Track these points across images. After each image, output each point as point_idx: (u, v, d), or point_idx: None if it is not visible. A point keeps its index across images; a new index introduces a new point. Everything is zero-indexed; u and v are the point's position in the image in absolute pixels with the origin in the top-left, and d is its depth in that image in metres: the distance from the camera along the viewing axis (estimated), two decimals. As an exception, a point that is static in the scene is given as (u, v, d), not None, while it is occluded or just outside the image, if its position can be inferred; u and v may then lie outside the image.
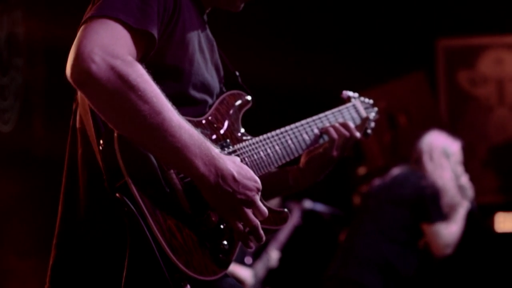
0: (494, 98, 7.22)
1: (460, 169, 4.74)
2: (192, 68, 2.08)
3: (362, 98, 2.61)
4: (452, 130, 6.70)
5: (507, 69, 7.19)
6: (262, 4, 2.49)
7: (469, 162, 6.60)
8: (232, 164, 1.91)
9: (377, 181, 4.86)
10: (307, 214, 5.49)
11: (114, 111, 1.82)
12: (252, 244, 1.99)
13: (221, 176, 1.87)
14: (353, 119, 2.48)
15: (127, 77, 1.77)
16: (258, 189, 1.93)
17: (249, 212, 1.92)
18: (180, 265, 1.88)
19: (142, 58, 1.90)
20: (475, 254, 6.43)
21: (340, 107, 2.48)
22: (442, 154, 4.69)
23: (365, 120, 2.52)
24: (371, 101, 2.64)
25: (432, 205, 4.51)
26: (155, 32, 1.90)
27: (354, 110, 2.52)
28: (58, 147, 2.34)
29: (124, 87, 1.77)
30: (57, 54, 4.76)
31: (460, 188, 4.69)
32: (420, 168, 4.66)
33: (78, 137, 2.05)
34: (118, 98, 1.78)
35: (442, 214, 4.55)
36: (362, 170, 6.43)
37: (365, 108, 2.58)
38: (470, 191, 4.73)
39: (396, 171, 4.76)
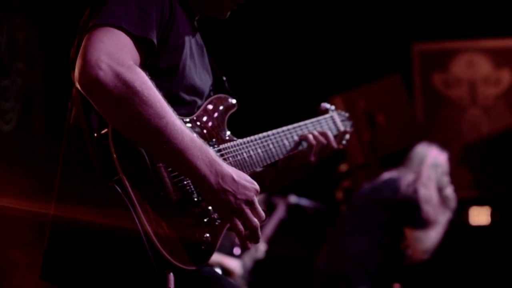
0: (467, 98, 7.27)
1: (446, 179, 4.74)
2: (184, 72, 2.08)
3: (339, 111, 2.64)
4: (428, 128, 7.02)
5: (478, 71, 7.26)
6: (244, 10, 2.51)
7: None
8: (231, 167, 1.92)
9: (366, 184, 4.88)
10: (292, 208, 5.50)
11: (120, 115, 1.82)
12: (249, 245, 2.00)
13: (222, 177, 1.88)
14: (330, 130, 2.50)
15: (132, 84, 1.78)
16: (256, 191, 1.95)
17: (249, 212, 1.93)
18: (165, 253, 1.88)
19: (143, 63, 1.92)
20: (451, 246, 6.46)
21: (319, 118, 2.51)
22: (431, 164, 4.69)
23: (343, 133, 2.57)
24: (347, 114, 2.67)
25: (415, 212, 4.51)
26: (154, 39, 1.92)
27: (332, 122, 2.55)
28: (57, 145, 2.32)
29: (129, 92, 1.78)
30: (55, 58, 4.66)
31: (445, 198, 4.69)
32: (409, 176, 4.65)
33: (72, 133, 2.05)
34: (124, 103, 1.78)
35: (424, 221, 4.53)
36: (343, 167, 6.37)
37: (342, 121, 2.62)
38: (453, 202, 4.72)
39: (386, 175, 4.76)
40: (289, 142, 2.35)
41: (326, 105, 2.60)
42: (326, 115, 2.55)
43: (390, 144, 6.21)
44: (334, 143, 2.42)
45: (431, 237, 4.60)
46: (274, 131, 2.35)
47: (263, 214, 1.96)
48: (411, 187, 4.56)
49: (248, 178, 1.95)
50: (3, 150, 4.68)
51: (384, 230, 4.49)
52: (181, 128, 1.84)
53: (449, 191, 4.71)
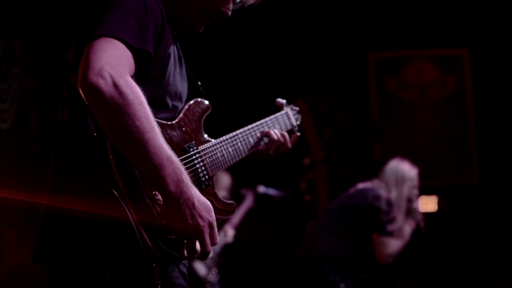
0: (417, 101, 7.32)
1: (415, 192, 4.71)
2: (169, 79, 2.08)
3: (291, 106, 2.69)
4: (382, 127, 7.07)
5: (427, 76, 7.31)
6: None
7: (397, 154, 6.82)
8: (196, 193, 1.89)
9: (343, 193, 4.82)
10: (261, 197, 5.50)
11: (110, 121, 1.82)
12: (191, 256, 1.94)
13: (184, 198, 1.85)
14: (285, 125, 2.57)
15: (126, 96, 1.78)
16: (210, 222, 1.89)
17: (203, 234, 1.88)
18: (153, 248, 1.88)
19: (137, 71, 1.92)
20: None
21: (276, 115, 2.56)
22: (403, 178, 4.65)
23: (294, 127, 2.63)
24: (297, 108, 2.72)
25: (384, 219, 4.47)
26: (151, 51, 1.92)
27: (287, 117, 2.60)
28: (49, 142, 2.30)
29: (123, 103, 1.78)
30: (47, 64, 4.79)
31: (412, 210, 4.66)
32: (381, 186, 4.61)
33: (65, 131, 2.03)
34: (116, 111, 1.79)
35: (391, 228, 4.50)
36: (306, 161, 6.43)
37: (294, 115, 2.67)
38: (419, 214, 4.68)
39: (361, 185, 4.72)
40: (253, 139, 2.38)
41: (280, 100, 2.65)
42: (282, 112, 2.60)
43: (348, 140, 6.26)
44: (289, 143, 2.48)
45: (395, 244, 4.56)
46: (241, 130, 2.38)
47: (217, 240, 1.93)
48: (383, 197, 4.50)
49: (207, 205, 1.91)
50: (1, 145, 4.66)
51: (353, 232, 4.47)
52: (160, 145, 1.83)
53: (417, 204, 4.67)
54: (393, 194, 4.55)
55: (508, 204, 6.91)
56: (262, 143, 2.41)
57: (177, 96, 2.12)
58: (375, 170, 6.05)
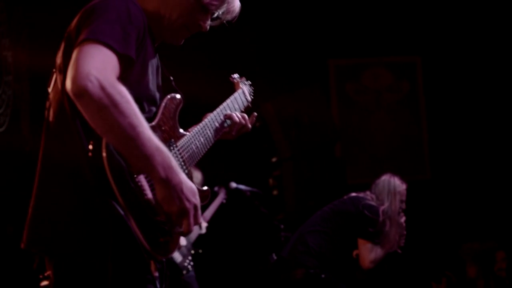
0: (374, 104, 7.40)
1: (403, 206, 4.59)
2: (149, 84, 2.08)
3: (243, 80, 2.63)
4: (342, 128, 7.09)
5: (383, 82, 7.40)
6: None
7: (356, 153, 7.19)
8: (184, 178, 1.90)
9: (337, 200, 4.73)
10: (233, 192, 5.44)
11: (100, 121, 1.82)
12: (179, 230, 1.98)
13: (173, 184, 1.86)
14: (243, 103, 2.53)
15: (113, 97, 1.78)
16: (195, 205, 1.92)
17: (189, 216, 1.91)
18: (143, 241, 1.88)
19: (121, 74, 1.91)
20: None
21: (235, 95, 2.51)
22: (394, 191, 4.56)
23: (250, 103, 2.59)
24: (249, 82, 2.66)
25: (372, 226, 4.43)
26: (134, 56, 1.93)
27: (243, 95, 2.55)
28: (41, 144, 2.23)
29: (110, 104, 1.78)
30: (38, 72, 4.65)
31: (399, 223, 4.55)
32: (373, 198, 4.56)
33: (51, 129, 2.02)
34: (105, 112, 1.78)
35: (377, 236, 4.46)
36: (274, 159, 6.50)
37: (248, 89, 2.61)
38: (403, 228, 4.56)
39: (353, 194, 4.65)
40: (219, 124, 2.35)
41: (234, 77, 2.60)
42: (239, 90, 2.54)
43: (312, 140, 6.29)
44: (249, 124, 2.45)
45: (378, 251, 4.50)
46: (209, 117, 2.35)
47: (200, 220, 1.95)
48: (373, 207, 4.44)
49: (194, 189, 1.93)
50: (-3, 147, 4.69)
51: (340, 235, 4.43)
52: (149, 137, 1.83)
53: (403, 218, 4.54)
54: (386, 207, 4.48)
55: (457, 197, 7.08)
56: (225, 125, 2.38)
57: (153, 100, 2.11)
58: (335, 167, 6.24)
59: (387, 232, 4.45)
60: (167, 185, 1.85)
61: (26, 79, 5.31)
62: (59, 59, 2.01)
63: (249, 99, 2.57)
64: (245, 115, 2.44)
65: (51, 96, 2.03)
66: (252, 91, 2.63)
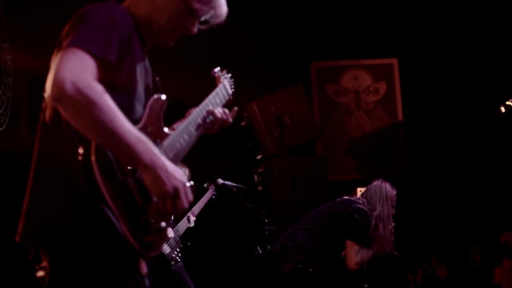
0: (353, 104, 7.45)
1: (392, 211, 4.58)
2: (137, 85, 2.09)
3: (224, 74, 2.59)
4: (323, 127, 7.16)
5: (361, 83, 7.46)
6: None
7: (336, 151, 7.26)
8: (167, 161, 1.92)
9: (330, 202, 4.71)
10: (219, 188, 5.37)
11: (81, 120, 1.84)
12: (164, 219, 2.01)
13: (158, 166, 1.88)
14: (224, 97, 2.50)
15: (89, 96, 1.80)
16: (182, 182, 1.93)
17: (179, 194, 1.92)
18: (132, 240, 1.90)
19: (103, 77, 1.92)
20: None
21: (216, 89, 2.48)
22: (386, 196, 4.56)
23: (230, 96, 2.56)
24: (229, 74, 2.62)
25: (361, 230, 4.43)
26: (113, 60, 1.94)
27: (225, 90, 2.52)
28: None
29: (87, 103, 1.80)
30: (35, 74, 4.97)
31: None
32: (364, 202, 4.56)
33: (46, 130, 2.03)
34: (84, 111, 1.81)
35: (366, 239, 4.48)
36: (259, 156, 6.58)
37: (229, 82, 2.57)
38: (392, 233, 4.53)
39: (346, 197, 4.66)
40: (201, 120, 2.34)
41: (215, 71, 2.56)
42: (220, 85, 2.51)
43: (294, 139, 6.39)
44: (230, 118, 2.44)
45: (365, 253, 4.53)
46: (192, 115, 2.33)
47: (191, 196, 1.96)
48: (363, 211, 4.45)
49: (178, 170, 1.94)
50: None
51: (329, 235, 4.44)
52: (129, 129, 1.85)
53: (392, 224, 4.53)
54: (378, 211, 4.47)
55: (432, 192, 7.16)
56: (208, 120, 2.37)
57: (141, 101, 2.12)
58: (316, 164, 6.27)
59: (378, 236, 4.44)
60: (153, 169, 1.87)
61: (24, 81, 5.36)
62: (52, 64, 2.01)
63: (230, 92, 2.55)
64: (226, 110, 2.44)
65: (47, 99, 2.05)
66: (233, 83, 2.60)
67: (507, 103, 6.72)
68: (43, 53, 2.10)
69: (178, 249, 5.30)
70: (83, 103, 1.80)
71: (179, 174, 1.93)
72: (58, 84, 1.80)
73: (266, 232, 4.97)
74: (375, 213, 4.46)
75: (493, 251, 6.08)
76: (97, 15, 1.97)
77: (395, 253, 4.59)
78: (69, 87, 1.79)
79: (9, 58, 5.09)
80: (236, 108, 2.50)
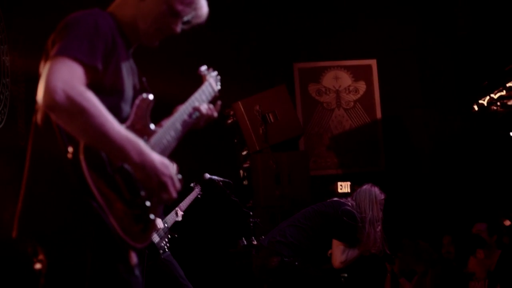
0: (334, 103, 7.52)
1: (380, 215, 4.57)
2: (124, 86, 2.11)
3: (210, 72, 2.57)
4: (305, 125, 7.24)
5: (342, 83, 7.53)
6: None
7: (318, 147, 7.33)
8: (155, 156, 1.96)
9: (320, 202, 4.71)
10: (206, 182, 5.33)
11: (74, 126, 1.88)
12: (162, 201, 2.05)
13: (147, 164, 1.93)
14: (210, 94, 2.49)
15: (79, 103, 1.84)
16: (170, 176, 1.98)
17: (168, 184, 1.98)
18: (122, 234, 1.93)
19: (90, 82, 1.95)
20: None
21: (202, 87, 2.47)
22: (375, 200, 4.55)
23: (216, 93, 2.54)
24: (215, 72, 2.60)
25: (348, 230, 4.44)
26: (100, 66, 1.98)
27: (210, 87, 2.50)
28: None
29: (78, 110, 1.84)
30: (32, 75, 4.95)
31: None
32: (353, 204, 4.55)
33: (38, 131, 2.06)
34: (75, 117, 1.85)
35: (352, 239, 4.48)
36: (244, 152, 6.57)
37: (215, 80, 2.56)
38: (379, 235, 4.52)
39: (336, 198, 4.66)
40: (188, 116, 2.35)
41: (202, 69, 2.54)
42: (206, 83, 2.50)
43: (278, 136, 6.42)
44: (215, 113, 2.45)
45: (350, 253, 4.55)
46: (178, 112, 2.33)
47: (178, 186, 2.02)
48: (351, 213, 4.45)
49: (166, 163, 1.98)
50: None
51: (316, 233, 4.45)
52: (118, 130, 1.89)
53: (380, 227, 4.53)
54: (366, 214, 4.47)
55: (408, 186, 7.24)
56: (194, 117, 2.37)
57: (128, 101, 2.14)
58: (299, 160, 6.35)
59: (366, 238, 4.46)
60: (143, 167, 1.94)
61: (22, 82, 5.40)
62: (41, 69, 2.06)
63: (216, 89, 2.55)
64: (211, 105, 2.46)
65: (38, 104, 2.04)
66: (219, 79, 2.60)
67: (480, 101, 6.83)
68: (40, 55, 2.08)
69: (166, 239, 5.38)
70: (75, 111, 1.84)
71: (167, 168, 1.99)
72: (50, 93, 1.82)
73: (251, 224, 5.00)
74: (363, 216, 4.47)
75: (466, 242, 6.10)
76: (82, 23, 2.00)
77: (388, 252, 4.63)
78: (60, 96, 1.82)
79: (7, 60, 5.15)
80: (220, 102, 2.51)
